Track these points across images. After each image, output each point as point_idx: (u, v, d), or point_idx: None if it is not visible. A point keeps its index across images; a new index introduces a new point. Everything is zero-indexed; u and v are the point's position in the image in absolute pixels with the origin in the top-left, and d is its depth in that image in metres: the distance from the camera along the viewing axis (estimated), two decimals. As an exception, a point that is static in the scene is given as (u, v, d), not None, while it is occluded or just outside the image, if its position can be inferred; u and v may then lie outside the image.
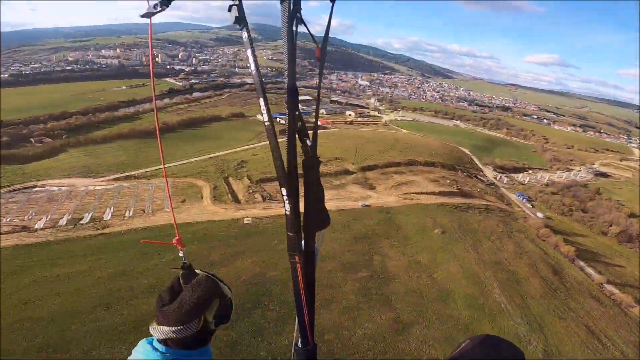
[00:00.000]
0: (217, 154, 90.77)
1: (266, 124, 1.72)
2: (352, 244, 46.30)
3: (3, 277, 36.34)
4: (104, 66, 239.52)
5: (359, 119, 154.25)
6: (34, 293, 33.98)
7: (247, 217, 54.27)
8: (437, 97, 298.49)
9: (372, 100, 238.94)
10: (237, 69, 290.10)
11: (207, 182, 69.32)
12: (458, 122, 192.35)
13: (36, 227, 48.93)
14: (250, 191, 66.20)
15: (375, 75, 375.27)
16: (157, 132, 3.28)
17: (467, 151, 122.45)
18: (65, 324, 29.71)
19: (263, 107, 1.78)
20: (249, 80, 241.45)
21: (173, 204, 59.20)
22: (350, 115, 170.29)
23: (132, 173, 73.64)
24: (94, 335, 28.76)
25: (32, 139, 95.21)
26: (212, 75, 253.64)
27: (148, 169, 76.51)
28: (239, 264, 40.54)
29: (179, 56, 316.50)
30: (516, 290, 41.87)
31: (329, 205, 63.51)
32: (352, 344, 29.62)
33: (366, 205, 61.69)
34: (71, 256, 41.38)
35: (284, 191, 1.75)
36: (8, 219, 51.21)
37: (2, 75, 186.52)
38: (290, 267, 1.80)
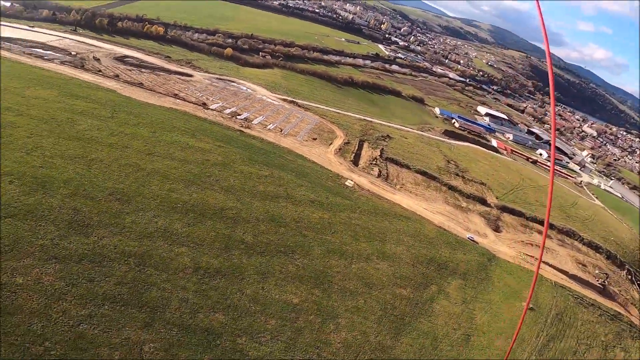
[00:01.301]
0: (372, 120, 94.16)
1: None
2: (421, 260, 42.14)
3: (157, 128, 51.96)
4: (340, 17, 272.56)
5: (546, 164, 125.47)
6: (163, 149, 45.94)
7: (352, 180, 56.35)
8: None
9: (584, 153, 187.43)
10: (446, 60, 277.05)
11: (344, 136, 74.31)
12: None
13: (211, 107, 65.84)
14: (373, 162, 67.32)
15: (614, 129, 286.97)
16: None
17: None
18: (151, 180, 39.21)
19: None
20: (451, 74, 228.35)
21: (307, 139, 67.13)
22: (540, 154, 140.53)
23: (297, 100, 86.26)
24: (161, 200, 35.79)
25: (260, 53, 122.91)
26: (419, 56, 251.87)
27: (310, 103, 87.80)
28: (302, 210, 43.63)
29: (401, 30, 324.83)
30: None
31: (433, 216, 58.65)
32: None
33: (472, 240, 53.20)
34: (208, 136, 53.35)
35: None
36: (200, 94, 70.60)
37: (273, 3, 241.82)
38: None
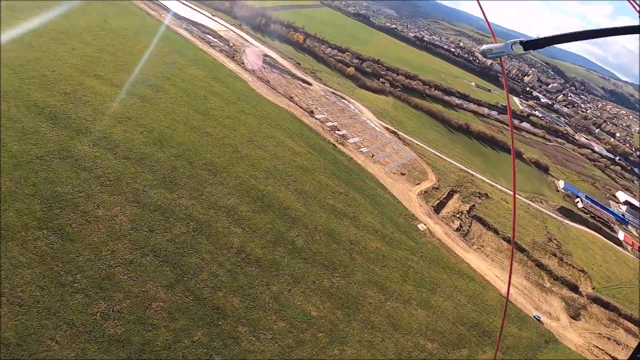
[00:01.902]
0: (473, 174, 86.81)
1: None
2: (464, 322, 36.70)
3: (264, 121, 57.59)
4: (477, 61, 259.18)
5: None
6: (261, 140, 52.00)
7: (425, 225, 53.06)
8: None
9: None
10: (597, 130, 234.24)
11: (436, 180, 70.44)
12: None
13: (316, 116, 70.61)
14: (457, 215, 61.96)
15: None
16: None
17: None
18: (240, 163, 45.06)
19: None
20: (596, 147, 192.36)
21: (396, 171, 66.05)
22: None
23: (399, 132, 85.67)
24: (240, 182, 42.01)
25: (381, 79, 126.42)
26: (562, 119, 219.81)
27: (411, 139, 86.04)
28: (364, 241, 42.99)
29: (549, 86, 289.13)
30: None
31: (502, 285, 49.40)
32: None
33: (538, 319, 44.72)
34: (303, 141, 57.81)
35: None
36: (311, 102, 76.36)
37: (409, 35, 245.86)
38: None
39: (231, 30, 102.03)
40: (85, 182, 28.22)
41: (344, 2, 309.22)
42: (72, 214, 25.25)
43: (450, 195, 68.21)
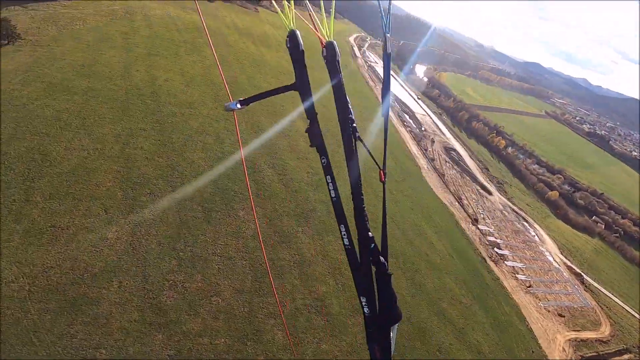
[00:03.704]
0: None
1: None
2: None
3: (417, 208, 53.55)
4: None
5: None
6: (405, 224, 48.13)
7: None
8: None
9: None
10: None
11: (607, 334, 47.05)
12: None
13: (479, 225, 61.38)
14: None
15: None
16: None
17: None
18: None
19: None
20: None
21: (552, 310, 48.93)
22: None
23: (585, 276, 63.21)
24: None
25: (594, 216, 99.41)
26: None
27: (601, 288, 61.75)
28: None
29: None
30: None
31: None
32: None
33: None
34: (448, 241, 50.67)
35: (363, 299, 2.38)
36: (480, 211, 66.86)
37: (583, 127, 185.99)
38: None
39: (429, 116, 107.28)
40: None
41: (578, 118, 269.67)
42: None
43: (619, 354, 45.37)
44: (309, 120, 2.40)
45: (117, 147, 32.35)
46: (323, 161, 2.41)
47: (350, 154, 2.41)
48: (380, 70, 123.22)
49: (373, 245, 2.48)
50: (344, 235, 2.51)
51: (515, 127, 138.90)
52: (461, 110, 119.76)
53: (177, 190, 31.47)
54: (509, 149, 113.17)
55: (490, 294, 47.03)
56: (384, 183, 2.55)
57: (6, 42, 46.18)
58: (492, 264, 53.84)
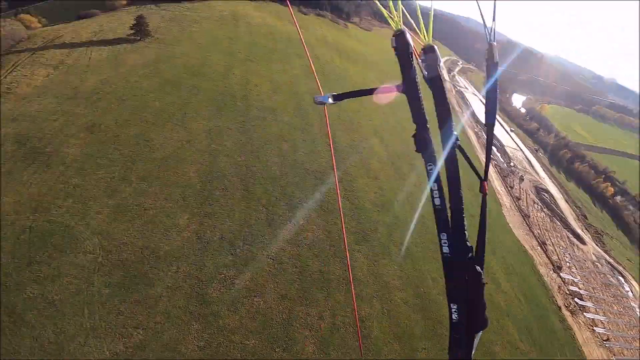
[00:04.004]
0: None
1: None
2: None
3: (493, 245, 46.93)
4: None
5: None
6: None
7: None
8: None
9: None
10: None
11: None
12: None
13: (561, 273, 51.49)
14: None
15: None
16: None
17: None
18: None
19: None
20: None
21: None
22: None
23: None
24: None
25: None
26: None
27: None
28: None
29: None
30: None
31: None
32: None
33: None
34: (517, 280, 43.42)
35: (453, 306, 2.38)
36: (567, 259, 56.20)
37: None
38: None
39: (521, 150, 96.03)
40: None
41: None
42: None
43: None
44: (416, 124, 2.34)
45: (205, 142, 35.65)
46: (429, 168, 2.37)
47: (450, 158, 2.38)
48: (468, 95, 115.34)
49: (470, 254, 2.49)
50: (445, 243, 2.49)
51: (630, 174, 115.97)
52: (563, 148, 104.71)
53: (248, 189, 33.19)
54: (617, 198, 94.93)
55: (556, 343, 40.62)
56: (484, 194, 2.54)
57: (139, 38, 55.32)
58: (567, 314, 45.99)
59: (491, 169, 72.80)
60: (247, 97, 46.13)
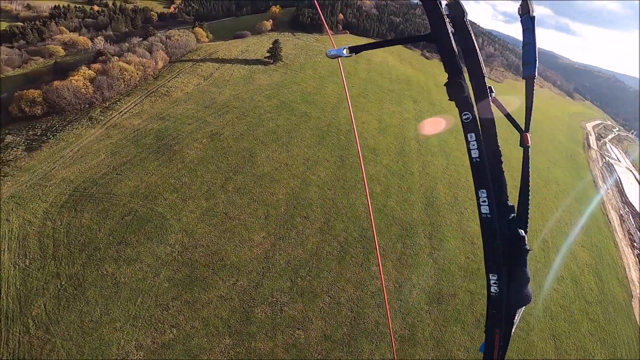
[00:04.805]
0: None
1: None
2: None
3: None
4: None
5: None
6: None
7: None
8: None
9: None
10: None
11: None
12: None
13: None
14: None
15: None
16: None
17: None
18: None
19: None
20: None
21: None
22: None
23: None
24: None
25: None
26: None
27: None
28: None
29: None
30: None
31: None
32: None
33: None
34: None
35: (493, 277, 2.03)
36: None
37: None
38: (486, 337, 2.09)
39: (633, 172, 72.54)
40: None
41: None
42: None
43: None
44: (447, 74, 2.08)
45: (301, 168, 36.66)
46: (465, 117, 2.09)
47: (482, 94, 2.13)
48: (620, 170, 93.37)
49: (512, 215, 2.15)
50: (484, 202, 2.13)
51: None
52: None
53: (329, 223, 32.35)
54: None
55: None
56: (526, 147, 2.34)
57: (272, 61, 62.46)
58: None
59: (628, 252, 55.93)
60: (351, 132, 46.43)
